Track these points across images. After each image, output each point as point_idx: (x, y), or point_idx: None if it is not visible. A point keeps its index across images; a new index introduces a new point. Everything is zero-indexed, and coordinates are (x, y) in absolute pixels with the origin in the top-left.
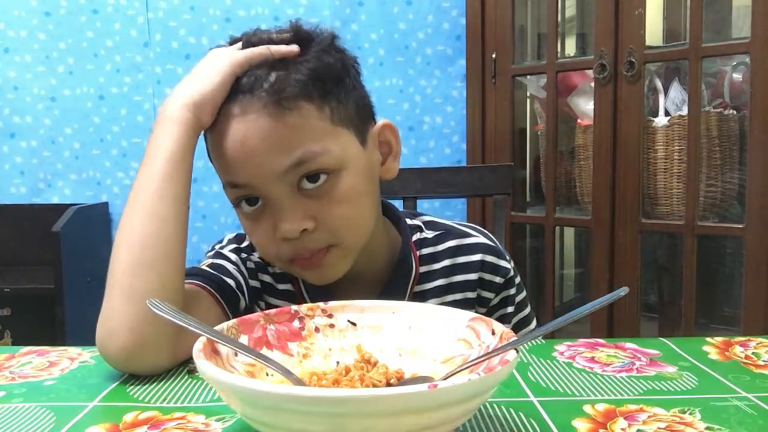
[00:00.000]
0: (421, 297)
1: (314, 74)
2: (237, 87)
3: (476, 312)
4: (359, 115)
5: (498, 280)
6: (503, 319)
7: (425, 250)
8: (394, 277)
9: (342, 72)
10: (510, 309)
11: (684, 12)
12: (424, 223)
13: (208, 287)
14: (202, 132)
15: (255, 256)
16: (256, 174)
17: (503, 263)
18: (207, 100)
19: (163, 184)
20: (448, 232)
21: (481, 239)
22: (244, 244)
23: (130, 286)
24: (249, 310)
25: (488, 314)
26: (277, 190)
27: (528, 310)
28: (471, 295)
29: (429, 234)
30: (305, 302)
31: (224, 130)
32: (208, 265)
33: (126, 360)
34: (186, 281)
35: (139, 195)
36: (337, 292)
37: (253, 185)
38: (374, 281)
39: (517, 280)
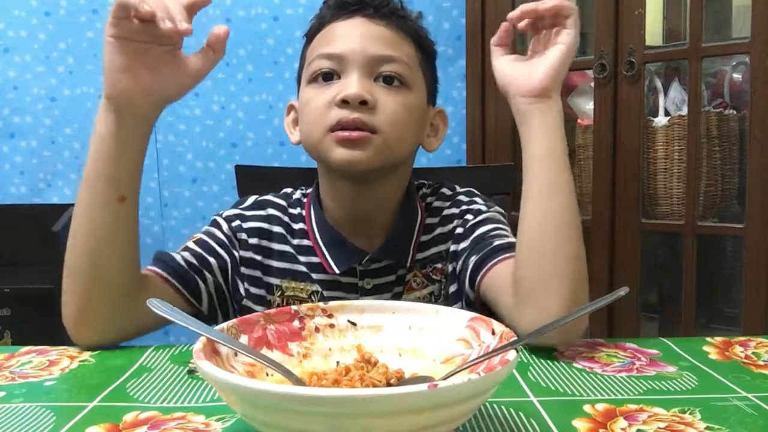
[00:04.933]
0: (425, 247)
1: (419, 31)
2: (363, 6)
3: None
4: (432, 83)
5: (462, 208)
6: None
7: (427, 200)
8: (401, 223)
9: (433, 48)
10: (469, 216)
11: (684, 12)
12: (425, 182)
13: (168, 277)
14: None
15: (249, 222)
16: (353, 49)
17: (469, 197)
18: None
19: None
20: (441, 185)
21: (462, 189)
22: (246, 205)
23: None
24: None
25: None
26: (359, 68)
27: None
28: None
29: (428, 191)
30: (321, 250)
31: (344, 24)
32: (192, 245)
33: (72, 335)
34: (150, 268)
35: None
36: (353, 227)
37: (345, 56)
38: (383, 226)
39: (490, 207)
